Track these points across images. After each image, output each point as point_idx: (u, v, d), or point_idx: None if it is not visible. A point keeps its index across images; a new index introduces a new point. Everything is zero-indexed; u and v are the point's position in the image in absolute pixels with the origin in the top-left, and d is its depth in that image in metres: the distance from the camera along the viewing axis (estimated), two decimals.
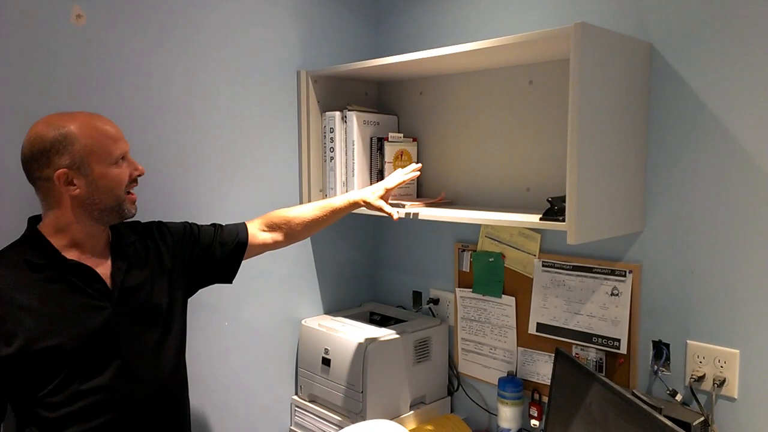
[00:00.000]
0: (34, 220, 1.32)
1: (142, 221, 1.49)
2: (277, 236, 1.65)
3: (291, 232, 1.65)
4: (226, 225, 1.61)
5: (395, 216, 1.63)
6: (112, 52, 1.57)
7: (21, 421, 1.27)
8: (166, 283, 1.43)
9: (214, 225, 1.61)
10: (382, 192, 1.67)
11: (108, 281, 1.32)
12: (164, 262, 1.45)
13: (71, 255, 1.29)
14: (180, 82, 1.71)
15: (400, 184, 1.70)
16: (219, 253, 1.55)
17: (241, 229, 1.60)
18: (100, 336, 1.27)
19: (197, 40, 1.74)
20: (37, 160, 1.24)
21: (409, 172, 1.72)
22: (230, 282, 1.61)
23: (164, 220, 1.54)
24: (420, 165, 1.78)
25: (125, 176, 1.32)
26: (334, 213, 1.66)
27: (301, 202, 2.02)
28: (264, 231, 1.64)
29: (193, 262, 1.52)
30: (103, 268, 1.33)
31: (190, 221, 1.58)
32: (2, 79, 1.41)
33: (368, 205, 1.66)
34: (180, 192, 1.74)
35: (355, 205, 1.67)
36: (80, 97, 1.52)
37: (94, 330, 1.26)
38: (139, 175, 1.35)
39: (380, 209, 1.65)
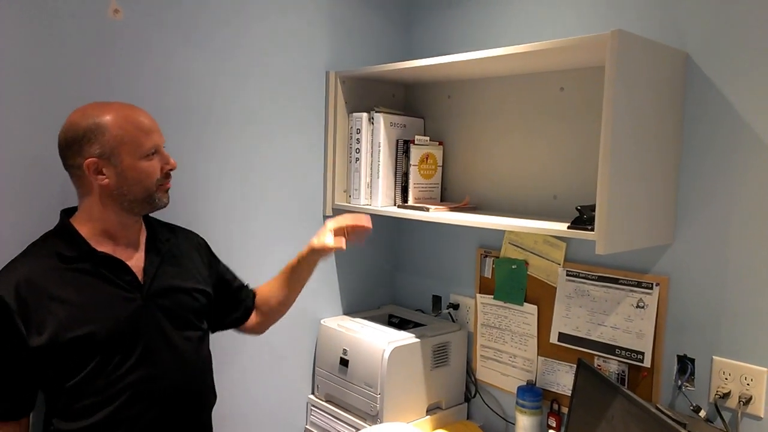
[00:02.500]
0: (67, 213, 1.34)
1: (168, 219, 1.51)
2: (259, 318, 1.64)
3: (270, 311, 1.64)
4: (242, 288, 1.63)
5: (343, 246, 1.54)
6: (146, 46, 1.59)
7: (48, 409, 1.29)
8: (196, 284, 1.45)
9: (235, 278, 1.63)
10: (325, 235, 1.56)
11: (140, 274, 1.33)
12: (197, 265, 1.48)
13: (103, 247, 1.30)
14: (208, 79, 1.72)
15: (346, 226, 1.57)
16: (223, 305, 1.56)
17: (248, 305, 1.62)
18: (129, 326, 1.28)
19: (227, 38, 1.75)
20: (70, 148, 1.25)
21: (360, 221, 1.58)
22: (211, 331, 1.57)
23: (189, 217, 1.55)
24: (369, 227, 1.59)
25: (156, 170, 1.31)
26: (294, 270, 1.61)
27: (324, 203, 2.02)
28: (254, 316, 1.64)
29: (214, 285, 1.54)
30: (136, 261, 1.34)
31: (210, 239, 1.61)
32: (40, 72, 1.43)
33: (313, 251, 1.56)
34: (204, 188, 1.74)
35: (307, 256, 1.58)
36: (114, 91, 1.53)
37: (123, 320, 1.28)
38: (171, 170, 1.35)
39: (324, 247, 1.54)
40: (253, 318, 1.64)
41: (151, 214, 1.43)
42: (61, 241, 1.28)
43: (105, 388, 1.25)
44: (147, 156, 1.29)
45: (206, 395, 1.47)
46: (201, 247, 1.55)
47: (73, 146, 1.25)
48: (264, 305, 1.64)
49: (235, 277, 1.63)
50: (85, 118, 1.25)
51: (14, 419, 1.24)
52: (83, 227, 1.29)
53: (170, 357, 1.34)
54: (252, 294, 1.65)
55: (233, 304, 1.59)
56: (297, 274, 1.62)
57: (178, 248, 1.46)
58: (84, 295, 1.25)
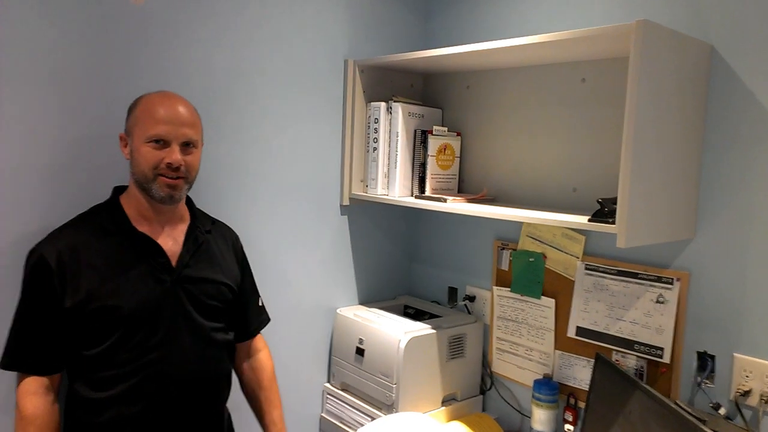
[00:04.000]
0: (118, 190, 1.40)
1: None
2: (244, 367, 1.62)
3: (247, 382, 1.62)
4: (258, 310, 1.64)
5: None
6: (166, 32, 1.59)
7: (72, 376, 1.34)
8: (225, 279, 1.47)
9: (256, 293, 1.63)
10: None
11: (174, 259, 1.37)
12: (229, 261, 1.51)
13: (142, 227, 1.36)
14: (227, 67, 1.72)
15: None
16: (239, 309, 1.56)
17: (253, 329, 1.62)
18: (155, 306, 1.33)
19: (246, 26, 1.75)
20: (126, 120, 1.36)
21: None
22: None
23: (207, 205, 1.57)
24: None
25: (153, 159, 1.29)
26: (259, 415, 1.62)
27: (341, 192, 2.02)
28: (247, 355, 1.62)
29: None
30: (172, 246, 1.38)
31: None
32: (64, 59, 1.44)
33: None
34: (222, 176, 1.75)
35: None
36: (135, 77, 1.54)
37: (150, 299, 1.32)
38: (170, 164, 1.30)
39: None
40: (244, 350, 1.62)
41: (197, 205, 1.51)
42: (106, 216, 1.36)
43: (126, 363, 1.30)
44: (149, 142, 1.30)
45: (222, 384, 1.48)
46: (236, 246, 1.57)
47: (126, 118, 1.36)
48: (252, 374, 1.62)
49: (254, 294, 1.62)
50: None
51: (43, 374, 1.29)
52: (128, 205, 1.37)
53: (191, 341, 1.37)
54: (262, 324, 1.64)
55: (240, 318, 1.57)
56: (258, 416, 1.63)
57: (215, 241, 1.49)
58: (117, 269, 1.30)
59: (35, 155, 1.42)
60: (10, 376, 1.32)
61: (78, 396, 1.31)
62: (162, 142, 1.30)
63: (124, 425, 1.30)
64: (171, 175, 1.31)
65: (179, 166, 1.31)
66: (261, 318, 1.64)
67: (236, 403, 1.59)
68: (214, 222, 1.54)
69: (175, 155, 1.31)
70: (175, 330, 1.35)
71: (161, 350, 1.32)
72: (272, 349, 1.89)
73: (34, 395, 1.27)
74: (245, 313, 1.59)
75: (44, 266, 1.26)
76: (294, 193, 1.91)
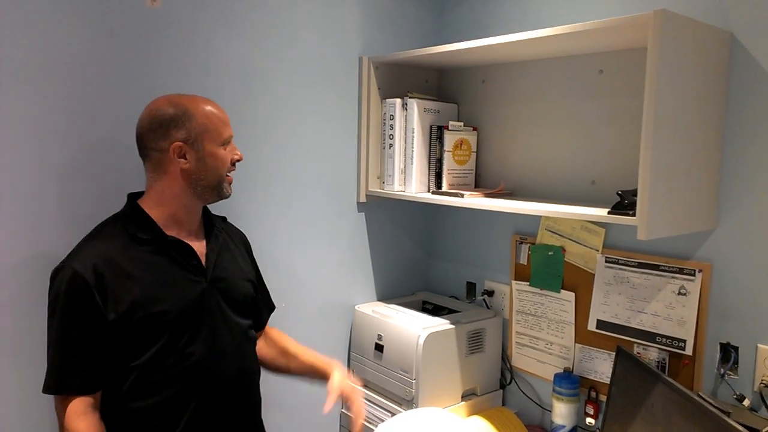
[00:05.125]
0: (134, 196, 1.39)
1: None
2: (261, 346, 1.60)
3: (269, 351, 1.62)
4: (266, 301, 1.65)
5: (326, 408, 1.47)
6: (183, 33, 1.61)
7: (117, 389, 1.31)
8: (247, 274, 1.51)
9: (264, 287, 1.64)
10: (345, 383, 1.52)
11: (202, 259, 1.39)
12: (244, 257, 1.54)
13: (170, 231, 1.36)
14: (243, 65, 1.73)
15: (350, 400, 1.51)
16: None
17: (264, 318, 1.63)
18: (196, 307, 1.34)
19: (260, 24, 1.76)
20: (155, 131, 1.31)
21: (360, 414, 1.51)
22: None
23: (225, 203, 1.57)
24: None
25: (228, 158, 1.38)
26: (303, 364, 1.58)
27: (358, 189, 2.02)
28: (263, 338, 1.63)
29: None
30: (199, 246, 1.40)
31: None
32: (82, 64, 1.46)
33: (323, 375, 1.53)
34: (238, 173, 1.75)
35: (319, 371, 1.55)
36: (154, 79, 1.56)
37: (191, 301, 1.34)
38: (239, 160, 1.41)
39: (331, 391, 1.49)
40: (260, 337, 1.62)
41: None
42: (132, 224, 1.33)
43: (173, 366, 1.30)
44: (223, 145, 1.36)
45: (257, 375, 1.52)
46: (245, 241, 1.60)
47: (158, 130, 1.31)
48: (273, 342, 1.63)
49: (264, 286, 1.65)
50: (170, 105, 1.32)
51: (89, 393, 1.27)
52: (153, 211, 1.35)
53: (230, 337, 1.40)
54: (271, 311, 1.66)
55: (256, 310, 1.60)
56: (299, 368, 1.59)
57: (231, 238, 1.52)
58: (156, 276, 1.31)
59: (54, 157, 1.44)
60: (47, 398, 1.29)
61: (123, 407, 1.30)
62: (229, 142, 1.38)
63: (173, 429, 1.31)
64: (233, 172, 1.41)
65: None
66: (269, 306, 1.67)
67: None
68: (224, 219, 1.57)
69: (239, 152, 1.41)
70: (216, 329, 1.37)
71: (204, 350, 1.34)
72: None
73: (84, 415, 1.24)
74: (259, 304, 1.61)
75: (81, 282, 1.23)
76: (311, 191, 1.92)
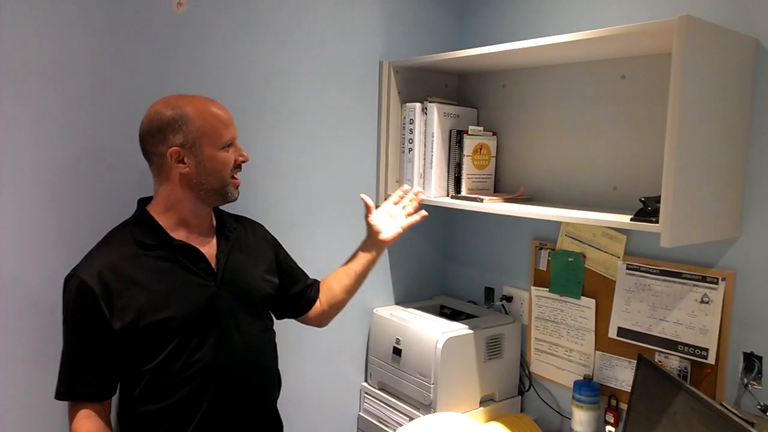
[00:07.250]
0: (144, 202, 1.39)
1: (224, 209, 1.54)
2: (322, 309, 1.66)
3: (333, 302, 1.65)
4: (306, 280, 1.66)
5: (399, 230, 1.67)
6: (207, 37, 1.63)
7: (128, 394, 1.33)
8: (264, 272, 1.50)
9: (299, 269, 1.66)
10: (384, 222, 1.66)
11: (212, 261, 1.38)
12: (264, 253, 1.53)
13: (179, 235, 1.35)
14: (263, 69, 1.75)
15: (396, 202, 1.70)
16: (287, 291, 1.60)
17: (312, 296, 1.65)
18: (205, 311, 1.34)
19: (281, 28, 1.77)
20: (154, 136, 1.30)
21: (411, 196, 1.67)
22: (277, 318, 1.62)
23: (244, 207, 1.59)
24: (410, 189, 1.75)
25: (231, 161, 1.36)
26: (356, 261, 1.65)
27: (377, 192, 2.03)
28: (319, 307, 1.66)
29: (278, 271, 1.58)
30: (208, 248, 1.39)
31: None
32: (107, 65, 1.48)
33: (373, 241, 1.65)
34: (258, 177, 1.78)
35: (369, 255, 1.65)
36: (178, 82, 1.57)
37: (200, 305, 1.33)
38: (244, 161, 1.39)
39: (377, 231, 1.65)
40: (317, 309, 1.65)
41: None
42: (139, 229, 1.33)
43: (182, 370, 1.31)
44: (224, 147, 1.34)
45: (273, 379, 1.52)
46: (267, 236, 1.59)
47: (156, 134, 1.30)
48: (327, 297, 1.65)
49: (298, 268, 1.65)
50: (169, 108, 1.30)
51: (99, 401, 1.30)
52: (161, 216, 1.35)
53: (241, 341, 1.39)
54: (316, 286, 1.67)
55: (297, 295, 1.62)
56: (359, 266, 1.64)
57: (245, 237, 1.50)
58: (163, 282, 1.30)
59: (67, 158, 1.45)
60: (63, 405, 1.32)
61: (136, 410, 1.31)
62: (231, 144, 1.36)
63: (184, 431, 1.32)
64: (238, 174, 1.39)
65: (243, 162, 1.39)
66: (308, 284, 1.65)
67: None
68: (239, 218, 1.54)
69: (244, 153, 1.39)
70: (225, 332, 1.36)
71: (215, 353, 1.34)
72: (310, 350, 1.92)
73: (87, 419, 1.26)
74: (301, 286, 1.62)
75: (87, 291, 1.24)
76: (329, 195, 1.93)
